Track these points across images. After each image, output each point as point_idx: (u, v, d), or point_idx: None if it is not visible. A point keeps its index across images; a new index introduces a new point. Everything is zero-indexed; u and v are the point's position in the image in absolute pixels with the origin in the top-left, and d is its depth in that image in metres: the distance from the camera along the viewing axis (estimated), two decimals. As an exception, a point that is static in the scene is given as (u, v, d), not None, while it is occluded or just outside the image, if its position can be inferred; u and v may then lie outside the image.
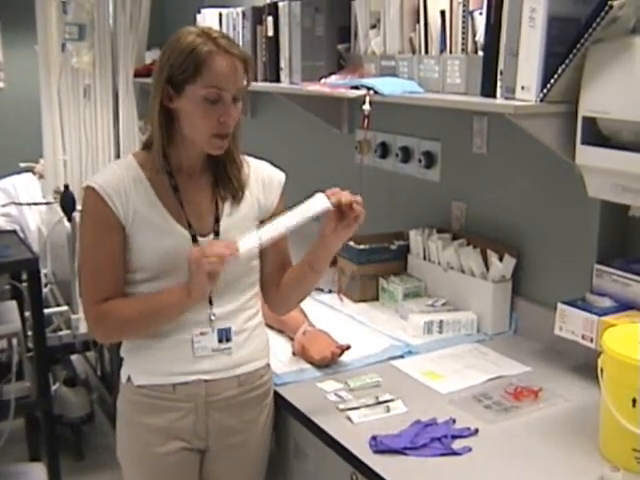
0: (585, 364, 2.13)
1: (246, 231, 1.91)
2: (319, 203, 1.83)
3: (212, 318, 1.92)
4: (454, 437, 1.82)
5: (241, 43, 3.28)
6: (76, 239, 3.71)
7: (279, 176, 2.06)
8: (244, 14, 3.31)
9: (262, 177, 2.02)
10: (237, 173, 1.96)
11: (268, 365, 2.08)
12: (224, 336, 1.93)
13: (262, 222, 1.96)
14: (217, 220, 1.93)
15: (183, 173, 1.92)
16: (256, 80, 3.18)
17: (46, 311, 3.50)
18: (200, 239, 1.89)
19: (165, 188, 1.89)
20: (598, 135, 1.95)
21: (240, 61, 1.82)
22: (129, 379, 1.96)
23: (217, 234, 1.91)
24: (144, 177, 1.88)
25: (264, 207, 2.01)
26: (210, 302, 1.92)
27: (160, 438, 1.94)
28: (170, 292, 1.85)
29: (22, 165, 4.93)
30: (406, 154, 2.92)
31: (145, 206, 1.86)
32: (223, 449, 2.01)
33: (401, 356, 2.31)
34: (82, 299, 1.96)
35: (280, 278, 2.04)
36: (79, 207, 3.81)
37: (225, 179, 1.95)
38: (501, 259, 2.44)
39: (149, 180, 1.89)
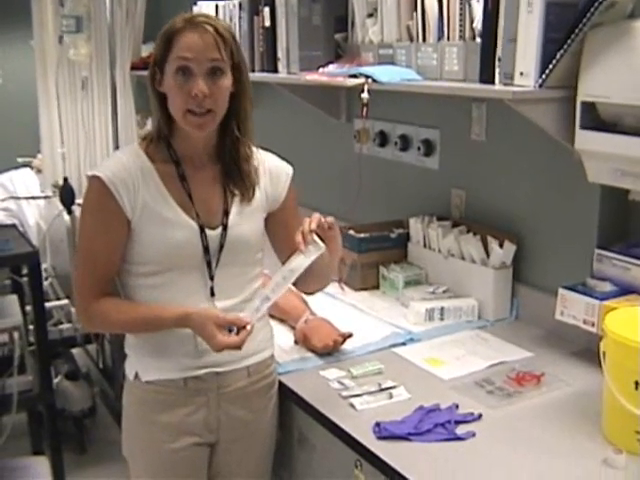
0: (587, 349, 2.14)
1: (254, 224, 1.95)
2: (315, 250, 1.83)
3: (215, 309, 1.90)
4: (457, 422, 1.82)
5: (238, 34, 3.27)
6: (76, 232, 3.72)
7: (287, 168, 2.05)
8: (240, 5, 3.30)
9: (270, 169, 2.01)
10: (246, 167, 1.93)
11: (273, 355, 2.08)
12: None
13: (268, 215, 2.00)
14: (226, 213, 1.91)
15: (190, 163, 1.90)
16: (253, 70, 3.18)
17: (47, 305, 3.51)
18: (208, 231, 1.87)
19: (173, 178, 1.87)
20: (597, 120, 1.95)
21: (213, 33, 1.77)
22: (137, 376, 1.94)
23: (225, 228, 1.90)
24: (152, 167, 1.86)
25: (272, 199, 2.00)
26: (212, 294, 1.91)
27: (171, 435, 1.93)
28: (167, 317, 1.83)
29: (20, 160, 4.93)
30: (405, 142, 2.92)
31: (154, 198, 1.84)
32: (233, 440, 2.01)
33: (403, 343, 2.32)
34: (74, 288, 1.93)
35: None
36: (78, 200, 3.82)
37: (235, 174, 1.93)
38: (501, 245, 2.44)
39: (157, 171, 1.86)
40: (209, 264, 1.89)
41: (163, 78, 1.82)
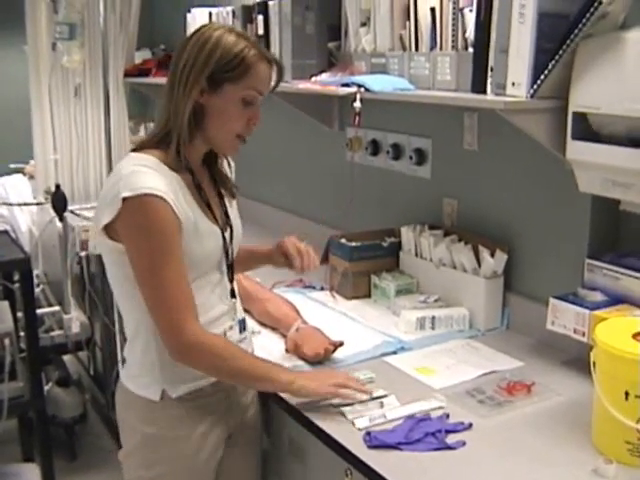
0: (577, 358, 2.14)
1: (239, 218, 2.04)
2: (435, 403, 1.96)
3: (236, 310, 1.97)
4: (448, 432, 1.82)
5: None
6: (68, 240, 3.72)
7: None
8: (234, 13, 3.32)
9: (228, 162, 2.08)
10: (224, 167, 2.02)
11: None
12: (243, 326, 1.99)
13: None
14: (227, 214, 1.97)
15: (197, 171, 1.90)
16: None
17: (38, 311, 3.50)
18: (225, 235, 1.93)
19: (192, 188, 1.85)
20: (588, 130, 1.96)
21: (276, 71, 1.88)
22: (163, 395, 1.86)
23: (231, 228, 1.96)
24: (180, 178, 1.81)
25: None
26: (233, 295, 1.97)
27: (207, 442, 1.93)
28: (279, 372, 1.90)
29: (12, 166, 4.92)
30: (397, 151, 2.92)
31: (190, 209, 1.80)
32: (241, 428, 2.05)
33: (394, 352, 2.31)
34: (173, 324, 1.75)
35: None
36: (70, 207, 3.82)
37: (222, 176, 2.00)
38: (493, 255, 2.45)
39: (184, 181, 1.82)
40: (229, 266, 1.95)
41: (213, 94, 1.79)
